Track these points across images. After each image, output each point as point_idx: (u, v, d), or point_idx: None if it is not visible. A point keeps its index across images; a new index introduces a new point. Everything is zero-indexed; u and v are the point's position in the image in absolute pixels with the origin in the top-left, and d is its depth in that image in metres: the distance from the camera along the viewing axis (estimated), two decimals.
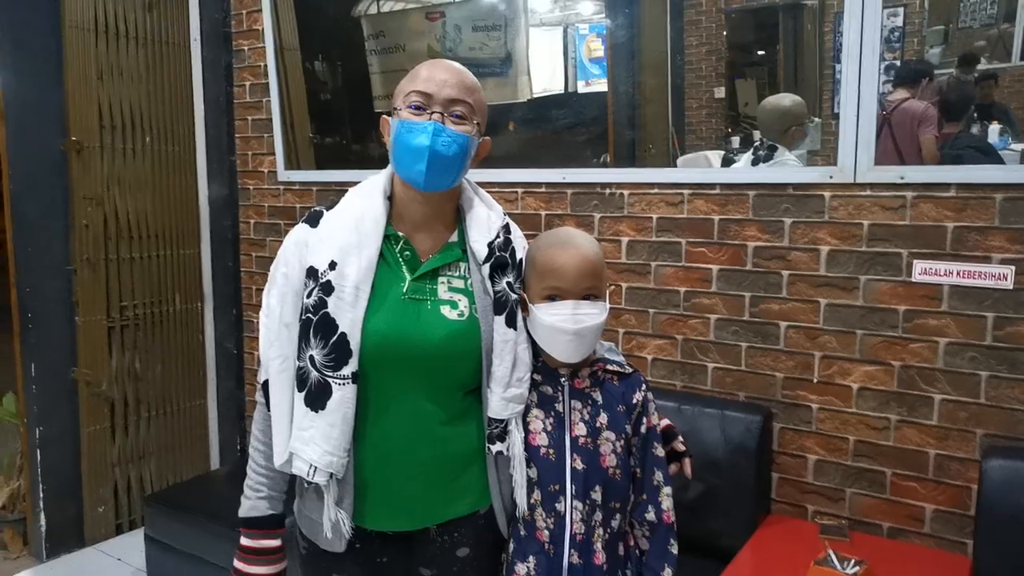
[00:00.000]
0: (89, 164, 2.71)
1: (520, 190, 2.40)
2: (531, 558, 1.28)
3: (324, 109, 3.30)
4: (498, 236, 1.30)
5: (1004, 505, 1.70)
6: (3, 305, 2.79)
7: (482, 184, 2.42)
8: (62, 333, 2.73)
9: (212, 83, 3.03)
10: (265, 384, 1.29)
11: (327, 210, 1.29)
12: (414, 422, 1.24)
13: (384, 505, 1.25)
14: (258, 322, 1.32)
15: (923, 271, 1.82)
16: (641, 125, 3.64)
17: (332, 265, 1.21)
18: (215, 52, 3.02)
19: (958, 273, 1.78)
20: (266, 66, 2.90)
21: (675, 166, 2.59)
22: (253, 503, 1.32)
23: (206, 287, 3.10)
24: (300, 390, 1.22)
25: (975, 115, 2.86)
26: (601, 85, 3.80)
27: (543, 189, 2.36)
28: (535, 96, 3.45)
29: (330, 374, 1.19)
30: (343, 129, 3.31)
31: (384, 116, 1.28)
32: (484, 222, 1.31)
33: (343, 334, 1.20)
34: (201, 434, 3.18)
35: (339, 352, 1.19)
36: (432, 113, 1.21)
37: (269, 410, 1.28)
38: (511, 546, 1.31)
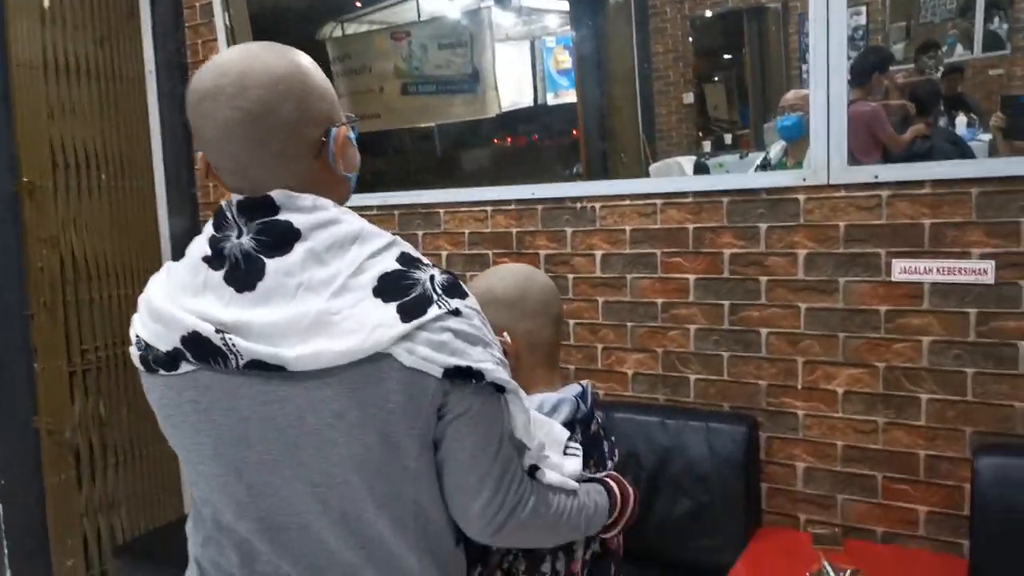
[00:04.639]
0: (43, 205, 2.61)
1: (490, 208, 2.35)
2: None
3: None
4: None
5: (997, 503, 1.67)
6: None
7: (451, 204, 2.41)
8: (21, 381, 2.62)
9: (169, 115, 2.95)
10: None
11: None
12: None
13: None
14: None
15: (902, 270, 1.80)
16: (611, 134, 3.63)
17: None
18: (171, 84, 2.94)
19: (938, 270, 1.76)
20: None
21: (647, 173, 2.57)
22: None
23: None
24: None
25: (942, 108, 2.86)
26: (570, 96, 3.78)
27: (513, 206, 2.31)
28: (504, 111, 3.43)
29: None
30: None
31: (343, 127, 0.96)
32: None
33: None
34: (173, 478, 3.06)
35: None
36: None
37: None
38: None
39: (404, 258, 0.90)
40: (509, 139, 3.13)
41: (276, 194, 0.88)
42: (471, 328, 0.88)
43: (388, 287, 0.86)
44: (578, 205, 2.20)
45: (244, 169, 0.90)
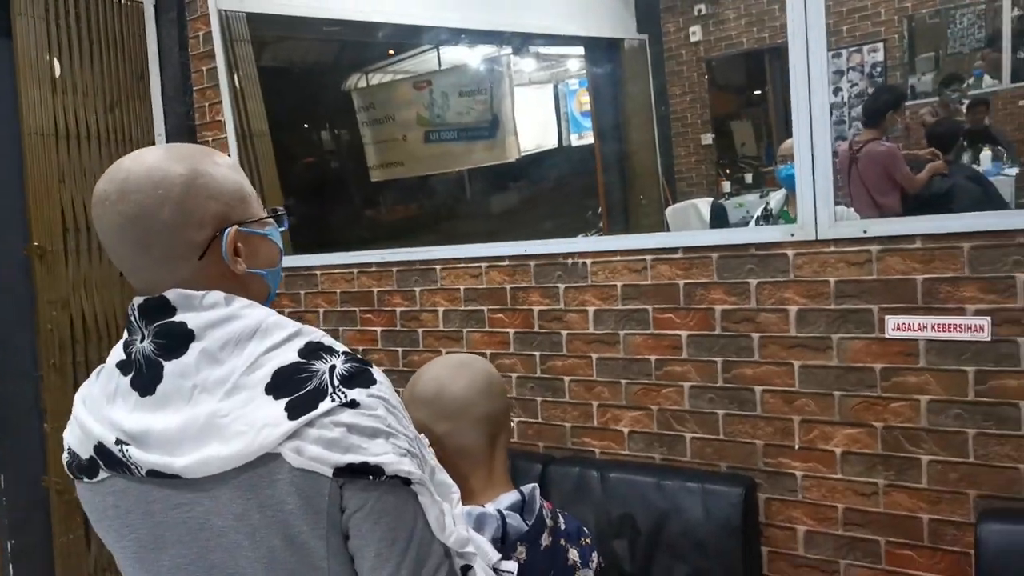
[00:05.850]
0: (53, 268, 2.68)
1: (484, 264, 2.35)
2: None
3: (306, 189, 3.31)
4: None
5: (1003, 572, 1.58)
6: None
7: (447, 260, 2.40)
8: (31, 441, 2.66)
9: None
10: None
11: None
12: None
13: None
14: None
15: (896, 327, 1.74)
16: (631, 177, 3.62)
17: None
18: None
19: (933, 327, 1.70)
20: (229, 154, 2.90)
21: (665, 217, 2.54)
22: None
23: None
24: None
25: (964, 143, 2.73)
26: (592, 138, 3.81)
27: (507, 262, 2.30)
28: (524, 154, 3.46)
29: None
30: (327, 209, 3.29)
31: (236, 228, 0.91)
32: None
33: None
34: None
35: None
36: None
37: None
38: None
39: (307, 348, 0.87)
40: (528, 183, 3.16)
41: (171, 294, 0.88)
42: (370, 420, 0.83)
43: (281, 383, 0.83)
44: (569, 261, 2.18)
45: (137, 270, 0.90)
